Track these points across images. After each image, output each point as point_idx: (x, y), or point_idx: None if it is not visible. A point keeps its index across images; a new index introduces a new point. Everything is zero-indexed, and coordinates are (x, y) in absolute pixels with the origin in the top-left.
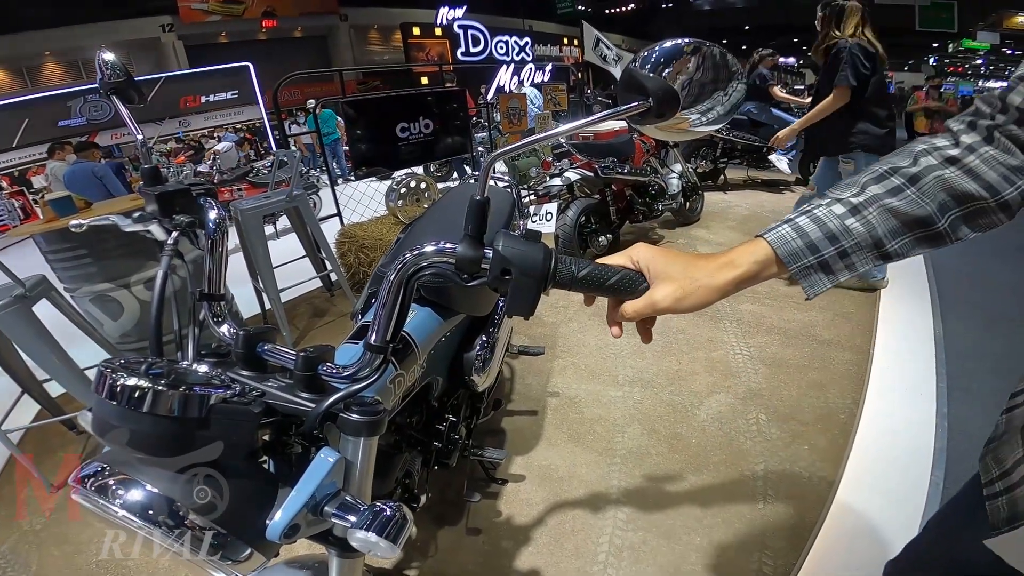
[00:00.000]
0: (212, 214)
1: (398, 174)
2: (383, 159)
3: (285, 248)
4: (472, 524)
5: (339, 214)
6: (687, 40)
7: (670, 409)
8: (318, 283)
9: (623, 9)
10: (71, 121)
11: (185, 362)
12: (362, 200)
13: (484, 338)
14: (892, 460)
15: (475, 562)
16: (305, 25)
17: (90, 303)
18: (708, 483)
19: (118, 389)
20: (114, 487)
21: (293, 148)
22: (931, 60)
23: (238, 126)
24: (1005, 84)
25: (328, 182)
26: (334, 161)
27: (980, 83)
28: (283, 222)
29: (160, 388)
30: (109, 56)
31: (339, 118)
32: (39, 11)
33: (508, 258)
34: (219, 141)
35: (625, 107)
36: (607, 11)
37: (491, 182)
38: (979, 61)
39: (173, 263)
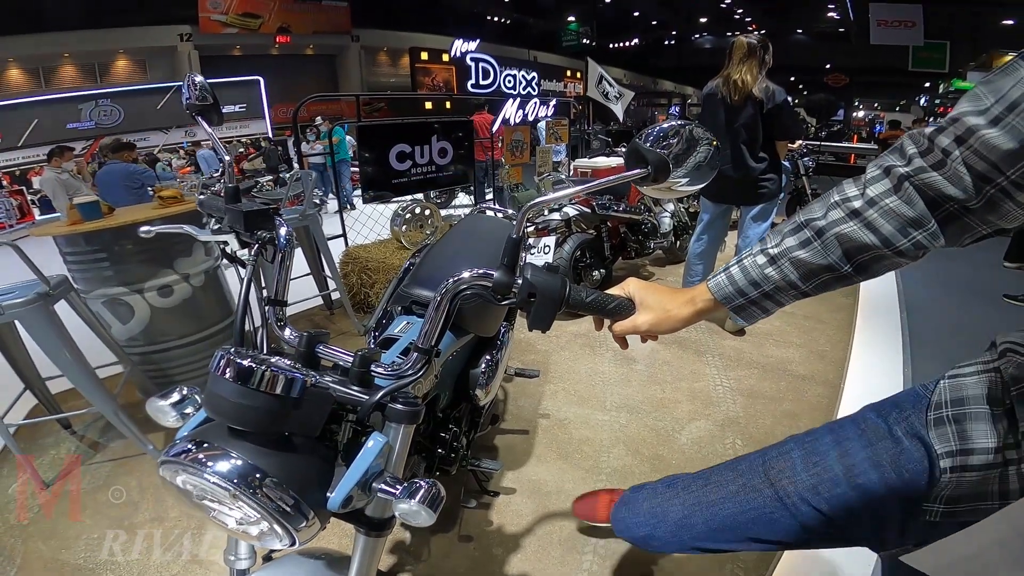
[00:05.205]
0: (283, 231)
1: (404, 199)
2: (391, 184)
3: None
4: (464, 531)
5: (344, 235)
6: (677, 123)
7: (653, 433)
8: (319, 301)
9: (627, 44)
10: (80, 124)
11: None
12: (367, 223)
13: (489, 357)
14: None
15: (466, 567)
16: (317, 43)
17: (101, 305)
18: None
19: (238, 370)
20: (205, 459)
21: (307, 168)
22: (922, 100)
23: (242, 139)
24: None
25: (337, 203)
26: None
27: None
28: None
29: (274, 370)
30: (199, 78)
31: (351, 139)
32: (63, 12)
33: (535, 284)
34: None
35: (630, 173)
36: (611, 45)
37: (493, 214)
38: None
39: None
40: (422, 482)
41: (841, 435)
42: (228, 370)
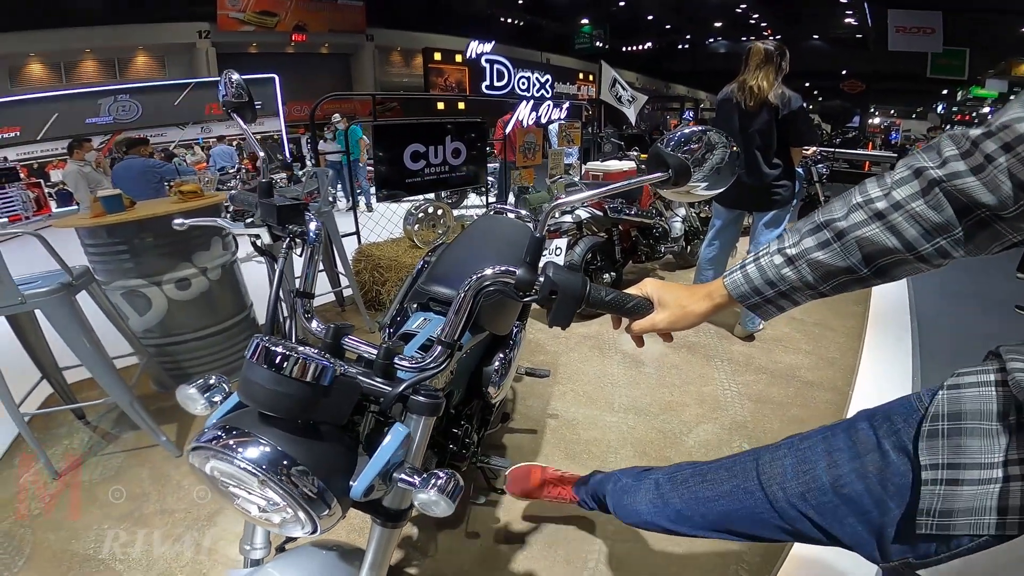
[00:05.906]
0: (312, 226)
1: (417, 199)
2: (405, 183)
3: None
4: (471, 528)
5: (357, 233)
6: (698, 128)
7: (661, 435)
8: (331, 297)
9: (640, 48)
10: (98, 119)
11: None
12: (379, 221)
13: (503, 355)
14: None
15: (472, 563)
16: (332, 42)
17: (120, 297)
18: None
19: (274, 357)
20: (236, 445)
21: (320, 165)
22: (939, 108)
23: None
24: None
25: (352, 201)
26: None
27: None
28: None
29: (307, 359)
30: (236, 76)
31: (365, 138)
32: (85, 8)
33: (556, 282)
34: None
35: (652, 176)
36: (624, 49)
37: (509, 215)
38: (986, 110)
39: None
40: (441, 473)
41: (833, 444)
42: (264, 357)
